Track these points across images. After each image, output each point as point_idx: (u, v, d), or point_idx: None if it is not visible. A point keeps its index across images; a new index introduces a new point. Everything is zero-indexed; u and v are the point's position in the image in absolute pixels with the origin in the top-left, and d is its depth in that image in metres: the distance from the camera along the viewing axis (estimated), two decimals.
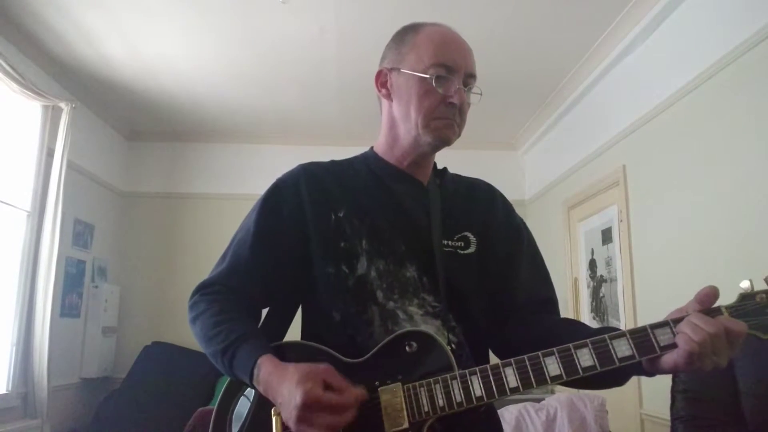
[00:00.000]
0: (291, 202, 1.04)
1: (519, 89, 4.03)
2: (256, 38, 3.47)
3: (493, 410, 1.03)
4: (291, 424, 0.82)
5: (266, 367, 0.87)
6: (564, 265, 4.16)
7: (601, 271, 3.69)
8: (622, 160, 3.33)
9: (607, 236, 3.59)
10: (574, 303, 4.03)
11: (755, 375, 1.84)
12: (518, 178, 5.14)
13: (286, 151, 4.85)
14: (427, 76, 1.00)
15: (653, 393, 2.91)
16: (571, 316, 4.01)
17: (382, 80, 1.09)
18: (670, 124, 2.85)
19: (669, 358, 0.80)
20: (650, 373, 0.85)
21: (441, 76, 1.00)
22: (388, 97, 1.08)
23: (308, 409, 0.80)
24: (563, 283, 4.17)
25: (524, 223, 1.15)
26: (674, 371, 0.81)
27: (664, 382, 2.05)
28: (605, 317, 3.61)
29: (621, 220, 3.34)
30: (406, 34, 1.08)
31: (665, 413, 2.12)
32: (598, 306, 3.72)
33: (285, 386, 0.83)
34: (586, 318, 3.87)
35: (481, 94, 1.06)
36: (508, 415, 2.68)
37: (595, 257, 3.78)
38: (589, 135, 3.80)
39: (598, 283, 3.73)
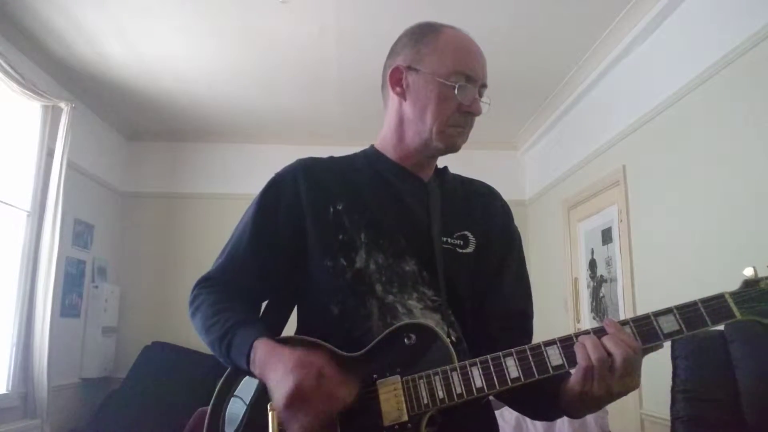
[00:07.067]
0: (288, 196, 1.04)
1: (519, 89, 4.03)
2: (255, 38, 3.47)
3: (490, 405, 1.03)
4: (279, 409, 0.82)
5: (262, 350, 0.87)
6: (564, 265, 4.16)
7: (601, 271, 3.68)
8: (622, 160, 3.32)
9: (607, 236, 3.59)
10: (574, 303, 4.02)
11: (755, 375, 1.84)
12: (518, 178, 5.14)
13: (286, 151, 4.80)
14: (450, 83, 0.99)
15: (653, 393, 2.91)
16: (571, 316, 4.02)
17: (397, 77, 1.06)
18: (670, 124, 2.85)
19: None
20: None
21: (462, 85, 0.99)
22: (402, 95, 1.05)
23: (296, 398, 0.80)
24: (563, 283, 4.17)
25: (518, 232, 1.14)
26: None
27: (664, 382, 2.06)
28: (605, 317, 3.60)
29: (621, 220, 3.34)
30: (426, 33, 1.05)
31: (665, 413, 2.12)
32: (598, 306, 3.72)
33: (279, 370, 0.83)
34: (587, 318, 3.87)
35: (489, 104, 1.05)
36: (508, 414, 2.67)
37: (595, 257, 3.78)
38: (589, 135, 3.80)
39: (598, 283, 3.73)
